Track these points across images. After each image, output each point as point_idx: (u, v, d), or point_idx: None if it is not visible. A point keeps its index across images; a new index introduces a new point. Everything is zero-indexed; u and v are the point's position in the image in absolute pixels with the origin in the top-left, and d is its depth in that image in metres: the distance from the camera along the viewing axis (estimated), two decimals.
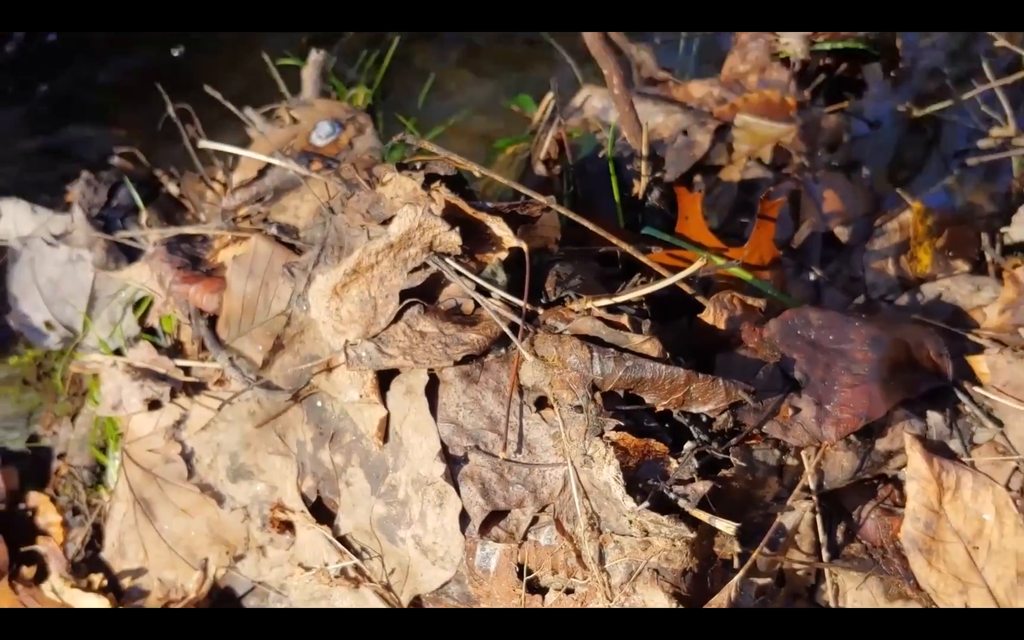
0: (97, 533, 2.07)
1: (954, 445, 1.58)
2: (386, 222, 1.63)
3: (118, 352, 2.00)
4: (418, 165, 1.68)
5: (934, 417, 1.59)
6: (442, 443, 1.52)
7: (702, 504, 1.42)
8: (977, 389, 1.63)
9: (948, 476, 1.54)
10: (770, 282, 1.77)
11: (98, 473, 2.16)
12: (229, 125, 2.09)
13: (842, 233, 2.00)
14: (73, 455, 2.17)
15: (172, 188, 2.19)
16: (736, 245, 1.82)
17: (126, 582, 1.95)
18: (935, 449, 1.56)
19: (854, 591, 1.50)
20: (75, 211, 2.10)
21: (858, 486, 1.57)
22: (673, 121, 2.11)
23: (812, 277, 1.93)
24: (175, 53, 3.13)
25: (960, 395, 1.62)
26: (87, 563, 2.03)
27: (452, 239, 1.56)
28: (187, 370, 1.85)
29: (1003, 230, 1.97)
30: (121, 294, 2.03)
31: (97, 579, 1.96)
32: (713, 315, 1.61)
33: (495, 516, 1.50)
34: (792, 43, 2.32)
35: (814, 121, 2.18)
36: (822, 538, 1.52)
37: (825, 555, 1.51)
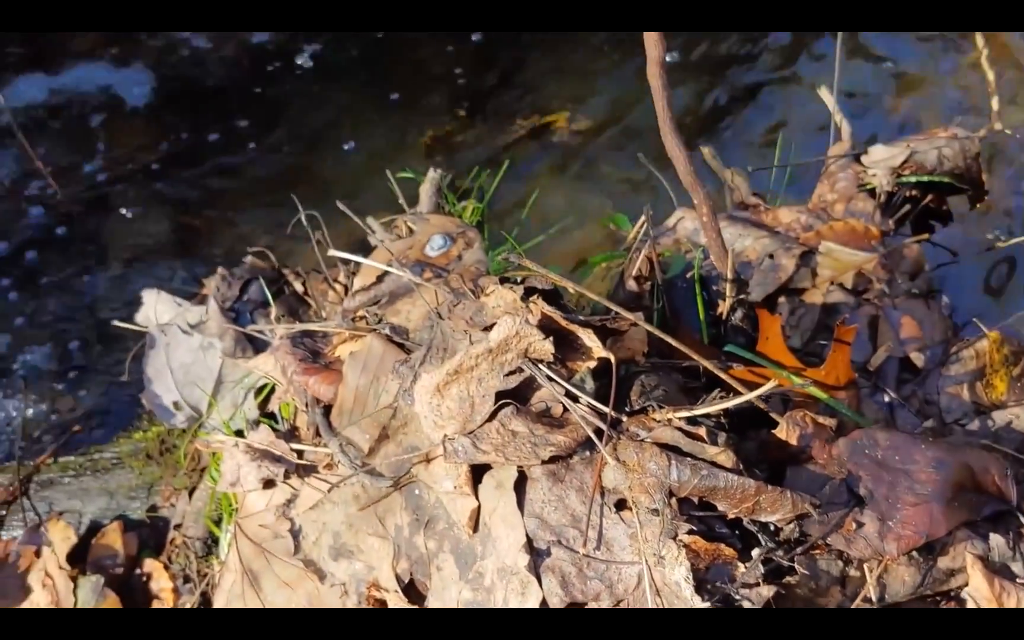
0: (204, 601, 2.22)
1: (1016, 568, 1.65)
2: (487, 329, 1.78)
3: (239, 433, 2.17)
4: (519, 279, 1.84)
5: (996, 539, 1.66)
6: (527, 536, 1.64)
7: (766, 608, 1.52)
8: None
9: (1009, 597, 1.60)
10: (845, 402, 1.87)
11: (209, 545, 2.31)
12: (353, 228, 2.27)
13: (918, 358, 2.09)
14: (188, 526, 2.32)
15: (298, 286, 2.39)
16: (815, 365, 1.93)
17: None
18: (997, 570, 1.63)
19: None
20: (210, 303, 2.31)
21: (919, 601, 1.65)
22: (760, 245, 2.24)
23: (887, 399, 2.01)
24: (347, 147, 3.38)
25: (1023, 519, 1.69)
26: None
27: (546, 347, 1.71)
28: (300, 453, 2.00)
29: None
30: (244, 380, 2.22)
31: None
32: (786, 431, 1.72)
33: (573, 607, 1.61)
34: (879, 175, 2.44)
35: (897, 250, 2.28)
36: None
37: None
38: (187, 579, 2.28)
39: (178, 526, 2.34)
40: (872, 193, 2.45)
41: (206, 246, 3.19)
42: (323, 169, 3.43)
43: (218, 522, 2.29)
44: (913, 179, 2.47)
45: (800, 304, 2.16)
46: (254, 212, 3.31)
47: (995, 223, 2.72)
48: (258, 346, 2.26)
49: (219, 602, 2.11)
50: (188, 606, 2.22)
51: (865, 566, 1.62)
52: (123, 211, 3.32)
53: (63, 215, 3.31)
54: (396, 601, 1.82)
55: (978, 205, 2.56)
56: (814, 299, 2.16)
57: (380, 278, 2.04)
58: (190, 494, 2.37)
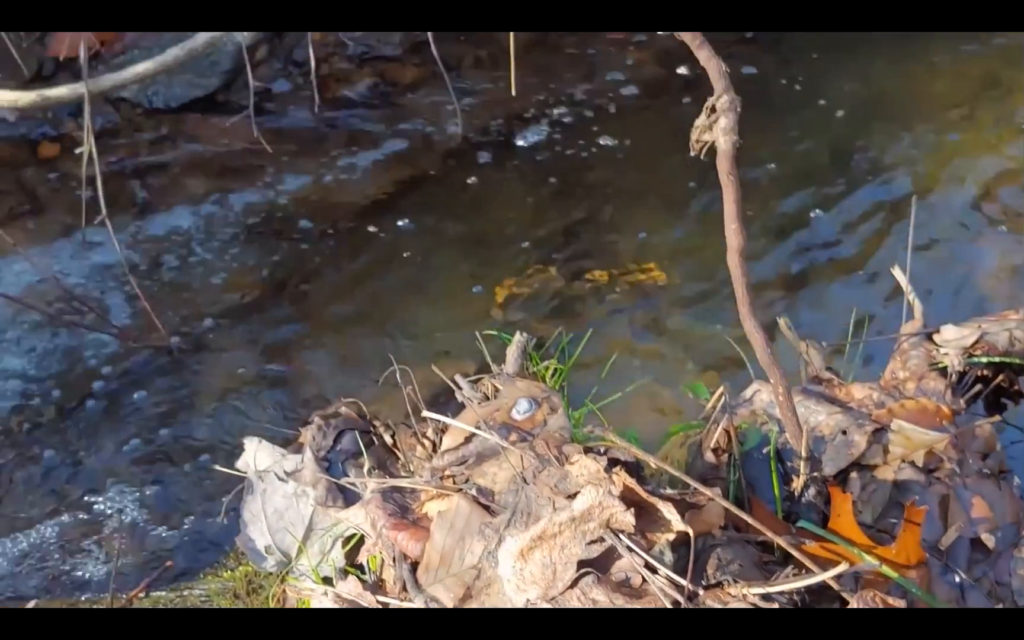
0: None
1: None
2: (571, 497, 1.88)
3: (326, 580, 2.27)
4: (602, 449, 1.94)
5: None
6: None
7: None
8: None
9: None
10: (916, 581, 1.93)
11: None
12: (442, 383, 2.41)
13: (989, 539, 2.13)
14: None
15: (387, 438, 2.51)
16: (886, 543, 2.00)
17: None
18: None
19: None
20: (306, 452, 2.43)
21: None
22: (834, 421, 2.31)
23: (957, 579, 2.06)
24: (433, 297, 3.54)
25: None
26: None
27: (627, 519, 1.80)
28: (386, 607, 2.09)
29: None
30: (334, 529, 2.33)
31: None
32: None
33: None
34: (950, 354, 2.51)
35: (968, 430, 2.34)
36: None
37: None
38: None
39: None
40: (944, 372, 2.52)
41: (300, 388, 3.35)
42: (415, 316, 3.59)
43: None
44: (984, 359, 2.54)
45: (872, 480, 2.22)
46: (346, 356, 3.48)
47: None
48: (348, 495, 2.36)
49: None
50: None
51: None
52: (221, 352, 3.50)
53: (163, 354, 3.49)
54: None
55: None
56: (885, 476, 2.22)
57: (468, 439, 2.15)
58: None
